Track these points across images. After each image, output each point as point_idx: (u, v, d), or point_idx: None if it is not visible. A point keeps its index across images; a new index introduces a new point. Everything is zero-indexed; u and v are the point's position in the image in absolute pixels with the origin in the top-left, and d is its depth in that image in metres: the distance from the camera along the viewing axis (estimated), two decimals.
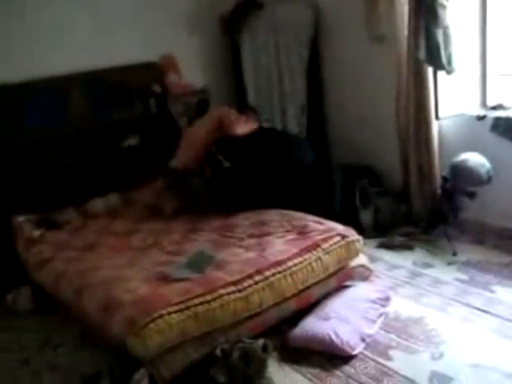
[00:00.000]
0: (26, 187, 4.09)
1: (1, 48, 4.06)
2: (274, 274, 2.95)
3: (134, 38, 4.59)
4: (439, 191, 4.18)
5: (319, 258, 3.15)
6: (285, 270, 2.99)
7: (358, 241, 3.36)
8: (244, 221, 3.70)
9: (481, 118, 4.03)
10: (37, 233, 3.90)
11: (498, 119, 3.95)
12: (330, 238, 3.29)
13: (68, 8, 4.32)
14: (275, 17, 4.80)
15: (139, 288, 2.84)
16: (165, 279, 2.91)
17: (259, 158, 3.94)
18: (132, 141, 4.54)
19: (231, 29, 4.87)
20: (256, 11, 4.78)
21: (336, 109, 5.09)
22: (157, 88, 4.61)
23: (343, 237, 3.32)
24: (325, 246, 3.22)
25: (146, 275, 3.00)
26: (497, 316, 3.11)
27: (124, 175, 4.41)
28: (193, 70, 4.77)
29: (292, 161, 4.02)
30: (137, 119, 4.58)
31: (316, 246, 3.20)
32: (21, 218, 3.99)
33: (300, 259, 3.09)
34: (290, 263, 3.04)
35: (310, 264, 3.10)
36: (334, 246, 3.24)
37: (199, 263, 3.03)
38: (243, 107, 4.43)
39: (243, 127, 4.06)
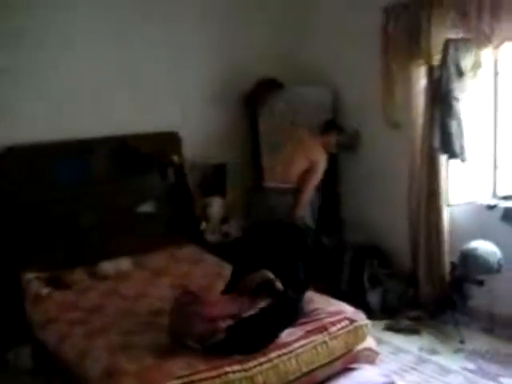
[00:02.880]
0: (38, 244, 4.13)
1: (35, 109, 4.23)
2: (279, 356, 2.90)
3: (158, 108, 4.78)
4: (448, 277, 4.19)
5: (325, 342, 3.08)
6: (290, 352, 2.94)
7: (366, 325, 3.30)
8: None
9: (491, 208, 4.09)
10: (45, 291, 3.89)
11: (508, 209, 4.01)
12: (338, 321, 3.21)
13: (101, 77, 4.52)
14: (294, 97, 4.94)
15: (144, 357, 2.82)
16: (170, 350, 2.88)
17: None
18: (147, 207, 4.62)
19: (251, 106, 5.03)
20: (276, 91, 4.94)
21: (350, 189, 5.20)
22: (175, 158, 4.72)
23: (351, 321, 3.25)
24: (332, 329, 3.14)
25: (151, 344, 2.98)
26: None
27: (137, 239, 4.45)
28: (213, 145, 4.99)
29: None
30: (154, 186, 4.68)
31: (323, 329, 3.13)
32: (30, 275, 4.00)
33: (306, 341, 3.03)
34: (295, 345, 2.98)
35: (315, 347, 3.03)
36: (341, 331, 3.17)
37: None
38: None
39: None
